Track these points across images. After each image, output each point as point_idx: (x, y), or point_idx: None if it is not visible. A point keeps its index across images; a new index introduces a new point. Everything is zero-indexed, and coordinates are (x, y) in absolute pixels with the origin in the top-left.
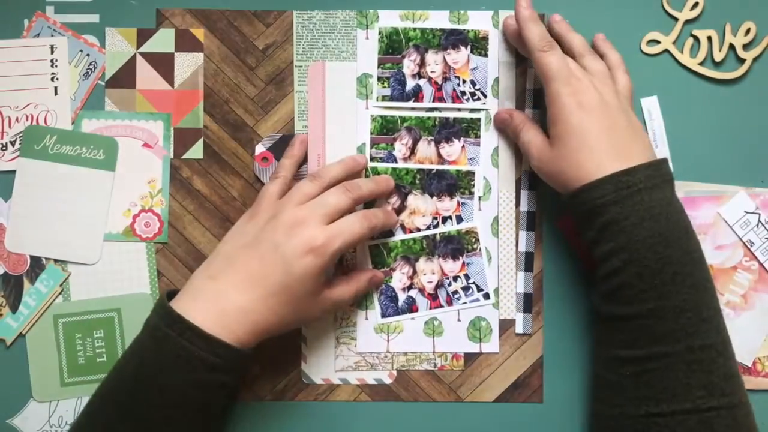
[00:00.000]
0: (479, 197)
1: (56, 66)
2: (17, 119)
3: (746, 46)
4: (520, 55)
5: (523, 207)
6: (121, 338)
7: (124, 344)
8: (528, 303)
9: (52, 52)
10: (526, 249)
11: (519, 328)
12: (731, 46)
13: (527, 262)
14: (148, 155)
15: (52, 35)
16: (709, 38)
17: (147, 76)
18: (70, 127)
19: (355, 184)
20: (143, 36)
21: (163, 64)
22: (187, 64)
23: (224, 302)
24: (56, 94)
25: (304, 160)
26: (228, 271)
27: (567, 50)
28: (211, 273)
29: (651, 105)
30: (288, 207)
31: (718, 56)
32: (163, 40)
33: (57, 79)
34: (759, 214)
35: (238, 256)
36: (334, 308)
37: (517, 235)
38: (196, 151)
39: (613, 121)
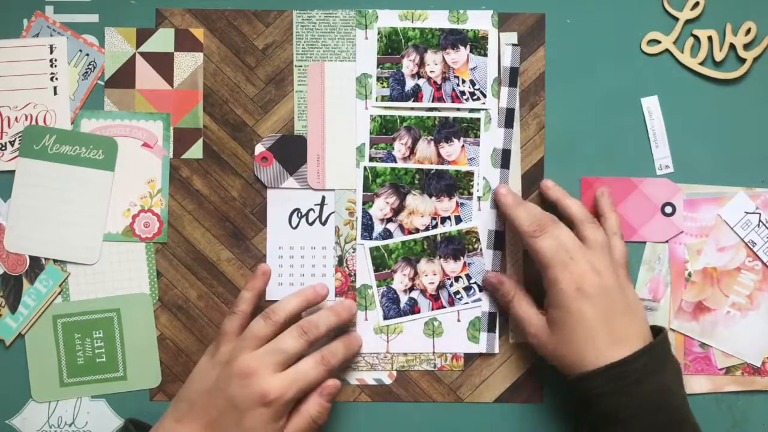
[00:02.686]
0: (478, 197)
1: (55, 66)
2: (16, 119)
3: (747, 46)
4: (519, 57)
5: (491, 226)
6: (121, 338)
7: (123, 344)
8: (492, 323)
9: (51, 52)
10: (492, 268)
11: (483, 348)
12: (732, 46)
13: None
14: (148, 155)
15: (51, 35)
16: (710, 38)
17: (146, 76)
18: (70, 127)
19: (312, 324)
20: (143, 36)
21: (162, 63)
22: (187, 64)
23: None
24: (55, 93)
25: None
26: (191, 416)
27: (563, 217)
28: (178, 416)
29: (651, 105)
30: (242, 353)
31: (719, 56)
32: (162, 40)
33: (56, 78)
34: (759, 214)
35: (198, 402)
36: None
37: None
38: (195, 151)
39: (612, 306)
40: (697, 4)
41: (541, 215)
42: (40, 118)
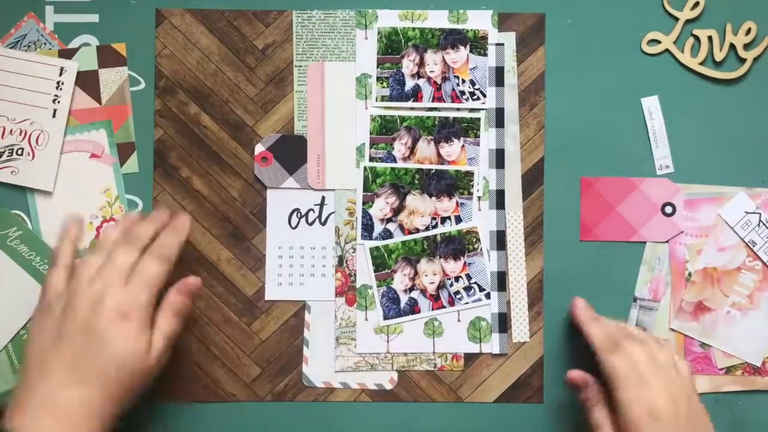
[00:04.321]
0: (479, 197)
1: (61, 89)
2: (11, 132)
3: (747, 46)
4: (519, 57)
5: (492, 226)
6: None
7: None
8: (503, 323)
9: (60, 74)
10: (498, 269)
11: (495, 349)
12: (732, 46)
13: (499, 281)
14: (97, 165)
15: (38, 39)
16: (710, 38)
17: (74, 95)
18: (59, 152)
19: (134, 232)
20: (65, 56)
21: (87, 81)
22: (113, 80)
23: (61, 406)
24: (54, 116)
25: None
26: (48, 374)
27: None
28: (32, 382)
29: (651, 105)
30: (81, 288)
31: (719, 56)
32: (85, 58)
33: (58, 102)
34: (759, 214)
35: (50, 354)
36: (168, 344)
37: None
38: (131, 165)
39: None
40: (697, 4)
41: (615, 331)
42: (33, 137)
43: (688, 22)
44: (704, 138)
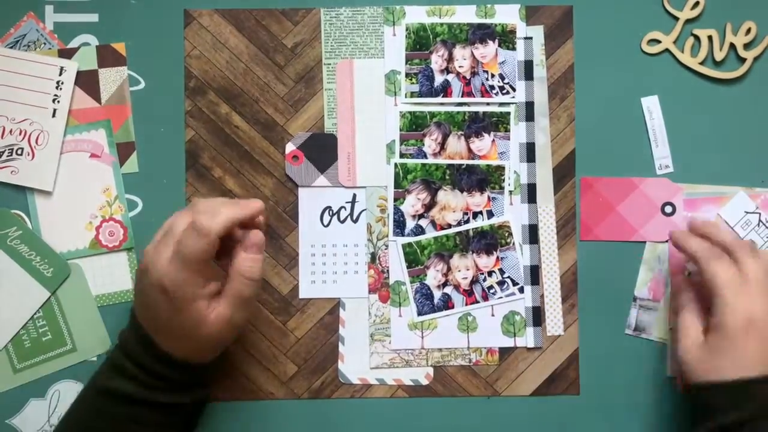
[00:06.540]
0: (510, 192)
1: (61, 88)
2: (11, 131)
3: (747, 46)
4: (547, 50)
5: (524, 220)
6: (61, 312)
7: (65, 317)
8: (537, 317)
9: (60, 74)
10: (531, 262)
11: (530, 342)
12: (732, 46)
13: (533, 275)
14: (97, 165)
15: (38, 39)
16: (710, 38)
17: (73, 95)
18: (59, 152)
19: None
20: (64, 55)
21: (87, 81)
22: (112, 79)
23: None
24: (53, 116)
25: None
26: None
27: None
28: None
29: (651, 104)
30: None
31: (719, 56)
32: (84, 58)
33: (58, 101)
34: (759, 214)
35: None
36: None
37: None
38: (131, 165)
39: None
40: (697, 4)
41: (725, 239)
42: (33, 137)
43: (688, 21)
44: (704, 138)
